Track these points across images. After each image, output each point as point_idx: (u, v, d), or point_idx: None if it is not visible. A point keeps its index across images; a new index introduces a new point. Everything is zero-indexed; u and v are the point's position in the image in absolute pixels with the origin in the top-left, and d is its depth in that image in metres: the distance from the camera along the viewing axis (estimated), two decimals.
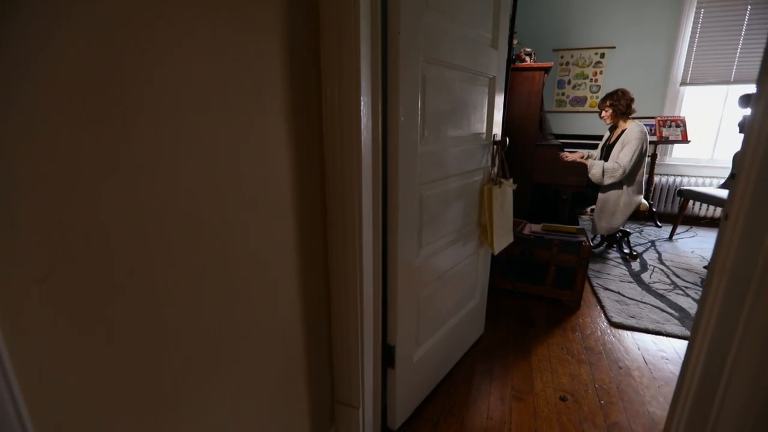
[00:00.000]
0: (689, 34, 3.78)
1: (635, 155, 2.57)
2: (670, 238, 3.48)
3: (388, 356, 1.20)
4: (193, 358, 0.64)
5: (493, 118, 1.55)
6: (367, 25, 0.87)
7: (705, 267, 2.75)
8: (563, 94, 4.36)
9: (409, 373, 1.28)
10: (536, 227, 2.33)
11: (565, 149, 3.05)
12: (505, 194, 1.63)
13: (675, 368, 1.67)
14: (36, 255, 0.40)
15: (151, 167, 0.52)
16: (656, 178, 4.06)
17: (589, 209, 3.85)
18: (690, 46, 3.81)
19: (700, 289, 2.40)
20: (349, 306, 1.02)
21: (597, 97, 4.20)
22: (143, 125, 0.51)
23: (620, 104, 2.68)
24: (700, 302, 0.85)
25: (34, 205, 0.40)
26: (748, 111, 2.42)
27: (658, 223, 3.95)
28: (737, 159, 0.76)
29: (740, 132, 2.33)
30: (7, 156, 0.38)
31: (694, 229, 3.86)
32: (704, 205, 3.96)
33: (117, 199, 0.49)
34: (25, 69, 0.39)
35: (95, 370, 0.49)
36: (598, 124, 4.17)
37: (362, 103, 0.88)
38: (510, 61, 1.94)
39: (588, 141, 3.95)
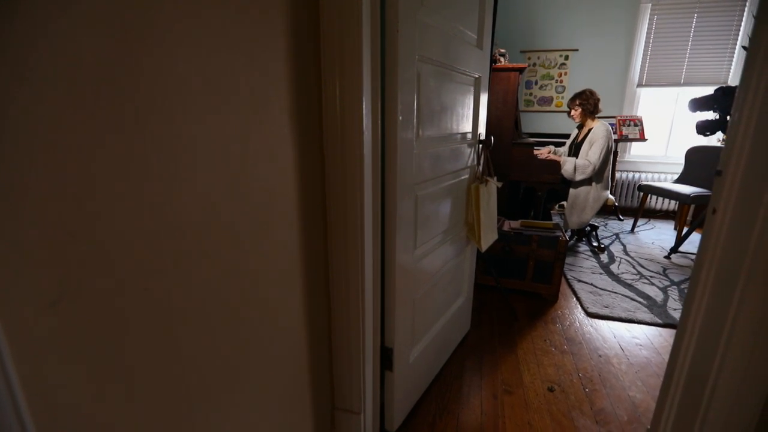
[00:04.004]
0: (644, 39, 4.03)
1: (603, 152, 2.71)
2: (632, 230, 3.70)
3: (386, 359, 1.19)
4: (206, 377, 0.59)
5: (478, 117, 1.57)
6: (368, 22, 0.85)
7: (665, 257, 2.94)
8: (531, 94, 4.52)
9: (405, 374, 1.28)
10: (515, 224, 2.39)
11: (535, 147, 3.16)
12: (490, 192, 1.66)
13: (648, 353, 1.77)
14: (46, 275, 0.35)
15: (164, 173, 0.48)
16: (617, 174, 4.30)
17: (557, 205, 4.02)
18: (645, 50, 4.07)
19: (664, 278, 2.57)
20: (350, 312, 1.00)
21: (562, 98, 4.39)
22: (156, 126, 0.46)
23: (589, 103, 2.82)
24: (688, 295, 0.90)
25: (42, 218, 0.35)
26: (697, 115, 2.61)
27: (621, 216, 4.19)
28: (723, 156, 0.81)
29: (698, 133, 2.49)
30: (12, 161, 0.33)
31: (652, 221, 4.12)
32: (660, 199, 4.25)
33: (132, 206, 0.44)
34: (27, 62, 0.34)
35: (110, 394, 0.44)
36: (563, 123, 4.36)
37: (364, 103, 0.86)
38: (492, 61, 1.98)
39: (555, 139, 4.11)
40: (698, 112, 2.57)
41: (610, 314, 2.08)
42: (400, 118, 1.00)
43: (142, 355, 0.49)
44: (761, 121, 0.71)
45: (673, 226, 3.87)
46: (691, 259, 2.92)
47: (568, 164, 2.77)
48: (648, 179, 4.25)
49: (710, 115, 2.53)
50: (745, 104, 0.74)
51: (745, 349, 0.74)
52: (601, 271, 2.67)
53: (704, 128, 2.47)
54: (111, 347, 0.44)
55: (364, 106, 0.87)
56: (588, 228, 3.26)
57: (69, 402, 0.40)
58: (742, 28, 3.77)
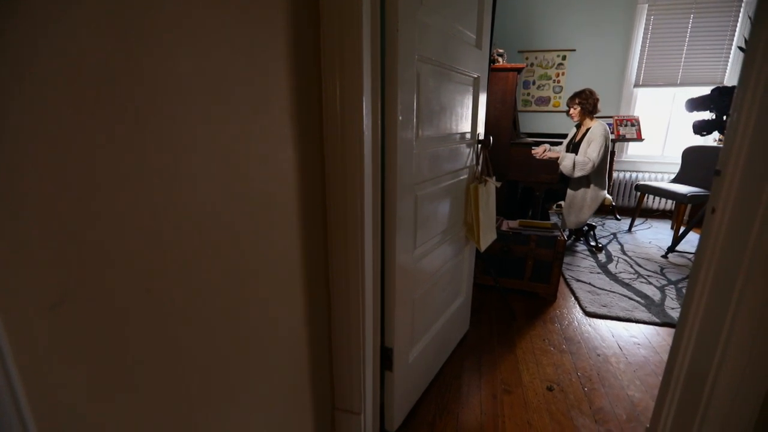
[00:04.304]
0: (641, 39, 4.05)
1: (601, 151, 2.72)
2: (630, 230, 3.72)
3: (386, 359, 1.19)
4: (207, 378, 0.59)
5: (477, 117, 1.57)
6: (368, 21, 0.85)
7: (663, 257, 2.96)
8: (528, 94, 4.53)
9: (405, 374, 1.28)
10: (513, 223, 2.40)
11: (532, 147, 3.16)
12: (489, 192, 1.66)
13: (646, 352, 1.78)
14: (48, 277, 0.35)
15: (165, 173, 0.48)
16: (615, 174, 4.32)
17: (554, 205, 4.04)
18: (642, 51, 4.09)
19: (662, 277, 2.58)
20: (350, 312, 1.00)
21: (560, 98, 4.40)
22: (156, 125, 0.46)
23: (588, 103, 2.82)
24: (687, 294, 0.90)
25: (43, 219, 0.35)
26: (693, 115, 2.63)
27: (618, 216, 4.21)
28: (721, 156, 0.81)
29: (695, 133, 2.50)
30: (13, 161, 0.33)
31: (649, 221, 4.14)
32: (657, 199, 4.27)
33: (132, 206, 0.44)
34: (27, 62, 0.34)
35: (111, 395, 0.44)
36: (560, 123, 4.37)
37: (364, 103, 0.86)
38: (490, 61, 1.98)
39: (552, 139, 4.13)
40: (695, 112, 2.59)
41: (608, 313, 2.09)
42: (400, 118, 1.00)
43: (144, 355, 0.49)
44: (760, 121, 0.72)
45: (670, 226, 3.89)
46: (688, 258, 2.93)
47: (567, 160, 2.77)
48: (645, 179, 4.27)
49: (707, 115, 2.55)
50: (744, 104, 0.74)
51: (745, 347, 0.75)
52: (599, 271, 2.67)
53: (701, 128, 2.48)
54: (113, 348, 0.44)
55: (364, 106, 0.86)
56: (586, 227, 3.27)
57: (70, 402, 0.39)
58: (738, 29, 3.79)
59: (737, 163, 0.76)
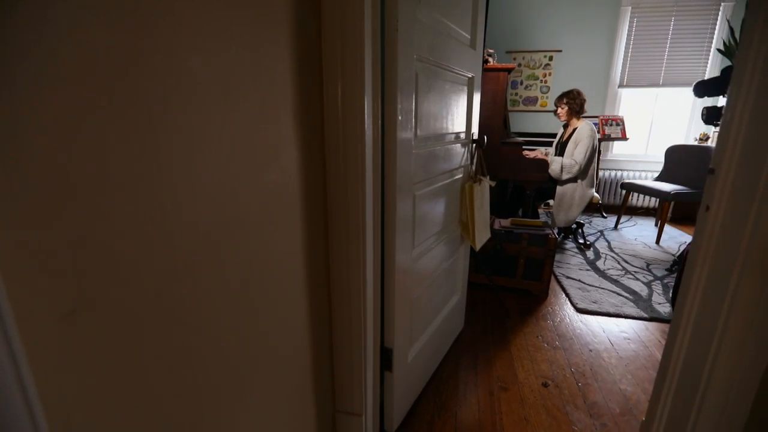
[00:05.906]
0: (625, 41, 4.15)
1: (588, 152, 2.77)
2: (616, 227, 3.80)
3: (385, 360, 1.18)
4: (215, 383, 0.58)
5: (471, 117, 1.58)
6: (369, 20, 0.84)
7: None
8: (516, 94, 4.59)
9: (404, 374, 1.28)
10: (505, 222, 2.42)
11: (523, 147, 3.20)
12: (483, 191, 1.67)
13: (636, 347, 1.82)
14: (62, 286, 0.33)
15: (177, 175, 0.46)
16: (600, 173, 4.41)
17: (543, 203, 4.10)
18: (626, 52, 4.19)
19: (648, 273, 2.65)
20: (352, 313, 0.99)
21: (547, 97, 4.47)
22: (167, 126, 0.45)
23: (575, 103, 2.88)
24: (683, 289, 0.92)
25: (54, 224, 0.33)
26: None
27: (604, 213, 4.30)
28: (715, 156, 0.83)
29: (705, 123, 2.16)
30: (21, 164, 0.31)
31: (634, 218, 4.25)
32: (640, 196, 4.38)
33: (143, 211, 0.42)
34: (31, 57, 0.32)
35: (125, 399, 0.42)
36: (547, 123, 4.44)
37: (365, 103, 0.86)
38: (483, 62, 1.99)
39: (540, 138, 4.19)
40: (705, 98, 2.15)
41: (599, 309, 2.13)
42: (400, 118, 1.00)
43: (154, 361, 0.47)
44: (752, 120, 0.74)
45: (654, 223, 3.99)
46: (672, 255, 3.01)
47: (554, 164, 2.83)
48: (630, 177, 4.37)
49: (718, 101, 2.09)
50: (737, 104, 0.77)
51: (740, 340, 0.77)
52: (588, 268, 2.73)
53: (712, 116, 2.07)
54: (125, 353, 0.42)
55: (366, 106, 0.86)
56: (574, 225, 3.33)
57: (85, 409, 0.38)
58: (716, 32, 3.91)
59: (731, 162, 0.78)
